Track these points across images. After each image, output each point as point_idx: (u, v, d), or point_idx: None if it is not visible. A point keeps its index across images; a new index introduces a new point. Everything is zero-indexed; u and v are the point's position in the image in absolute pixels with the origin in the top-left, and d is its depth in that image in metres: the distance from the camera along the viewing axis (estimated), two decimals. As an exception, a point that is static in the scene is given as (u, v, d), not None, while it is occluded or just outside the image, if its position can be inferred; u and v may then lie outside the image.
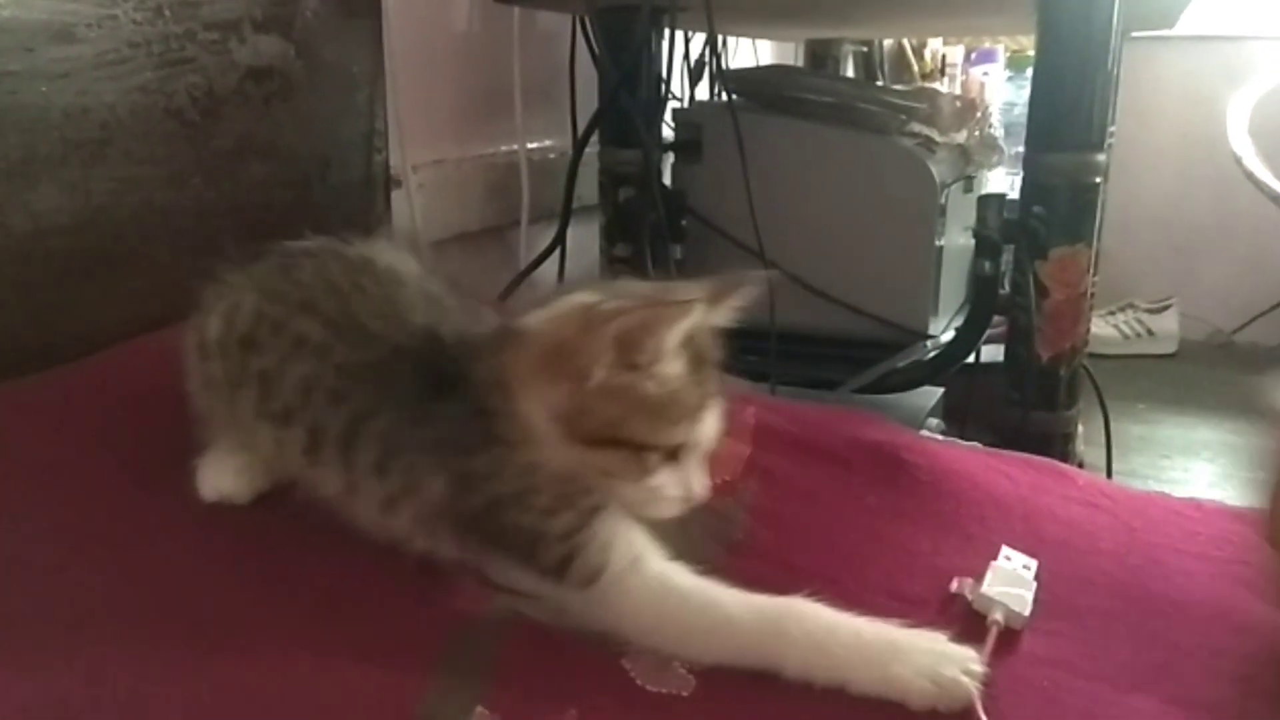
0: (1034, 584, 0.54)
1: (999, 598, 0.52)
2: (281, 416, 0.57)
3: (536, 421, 0.51)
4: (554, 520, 0.51)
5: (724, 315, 0.54)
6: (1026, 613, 0.52)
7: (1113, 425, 1.27)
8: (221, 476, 0.60)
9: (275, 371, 0.58)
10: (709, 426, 0.53)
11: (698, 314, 0.50)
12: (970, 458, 0.73)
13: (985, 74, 2.38)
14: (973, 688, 0.45)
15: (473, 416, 0.52)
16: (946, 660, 0.46)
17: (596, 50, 1.26)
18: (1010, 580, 0.54)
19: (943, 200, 1.21)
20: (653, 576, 0.51)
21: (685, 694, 0.47)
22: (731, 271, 0.54)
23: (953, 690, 0.45)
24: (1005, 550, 0.57)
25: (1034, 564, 0.56)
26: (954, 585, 0.55)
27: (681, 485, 0.52)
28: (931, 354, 1.21)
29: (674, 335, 0.50)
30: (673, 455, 0.52)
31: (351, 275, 0.59)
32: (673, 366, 0.51)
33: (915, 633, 0.48)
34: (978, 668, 0.46)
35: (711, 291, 0.53)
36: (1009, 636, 0.51)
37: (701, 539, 0.58)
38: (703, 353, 0.53)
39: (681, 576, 0.51)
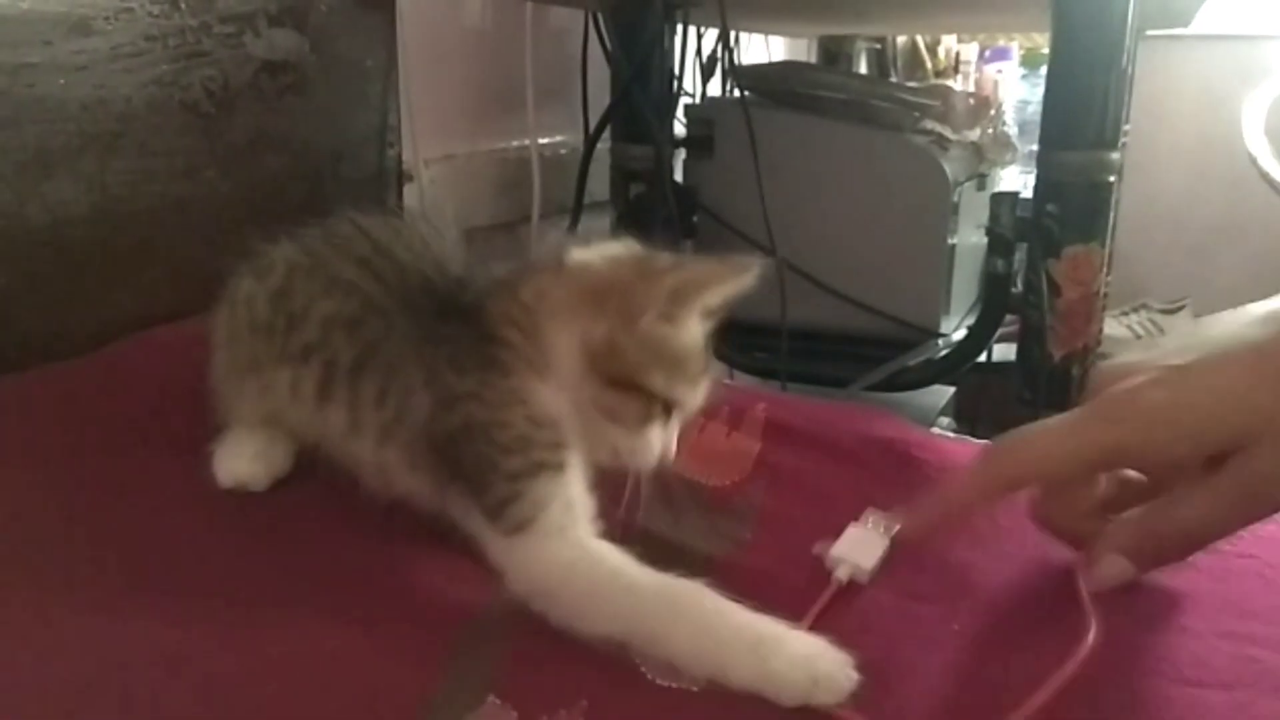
0: (885, 542, 0.56)
1: (846, 556, 0.55)
2: (301, 355, 0.58)
3: (562, 351, 0.52)
4: (508, 459, 0.51)
5: (718, 298, 0.55)
6: (868, 567, 0.55)
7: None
8: (238, 462, 0.61)
9: (301, 312, 0.58)
10: (700, 395, 0.55)
11: (745, 280, 0.53)
12: (981, 455, 0.73)
13: (999, 71, 2.37)
14: (847, 685, 0.45)
15: (478, 340, 0.53)
16: (824, 659, 0.46)
17: (609, 46, 1.26)
18: (861, 540, 0.56)
19: (955, 198, 1.21)
20: (573, 544, 0.51)
21: (695, 689, 0.47)
22: (739, 256, 0.55)
23: (827, 687, 0.45)
24: (868, 512, 0.58)
25: (895, 526, 0.57)
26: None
27: (662, 443, 0.54)
28: (943, 352, 1.21)
29: (718, 297, 0.53)
30: (668, 412, 0.54)
31: (389, 226, 0.61)
32: (698, 327, 0.54)
33: (798, 633, 0.48)
34: (853, 672, 0.46)
35: (709, 269, 0.54)
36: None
37: (709, 535, 0.59)
38: (709, 324, 0.55)
39: (601, 548, 0.51)
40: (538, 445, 0.52)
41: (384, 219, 0.62)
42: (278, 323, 0.60)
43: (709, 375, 0.56)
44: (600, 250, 0.55)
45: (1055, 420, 0.52)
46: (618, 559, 0.51)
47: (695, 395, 0.55)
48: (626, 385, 0.52)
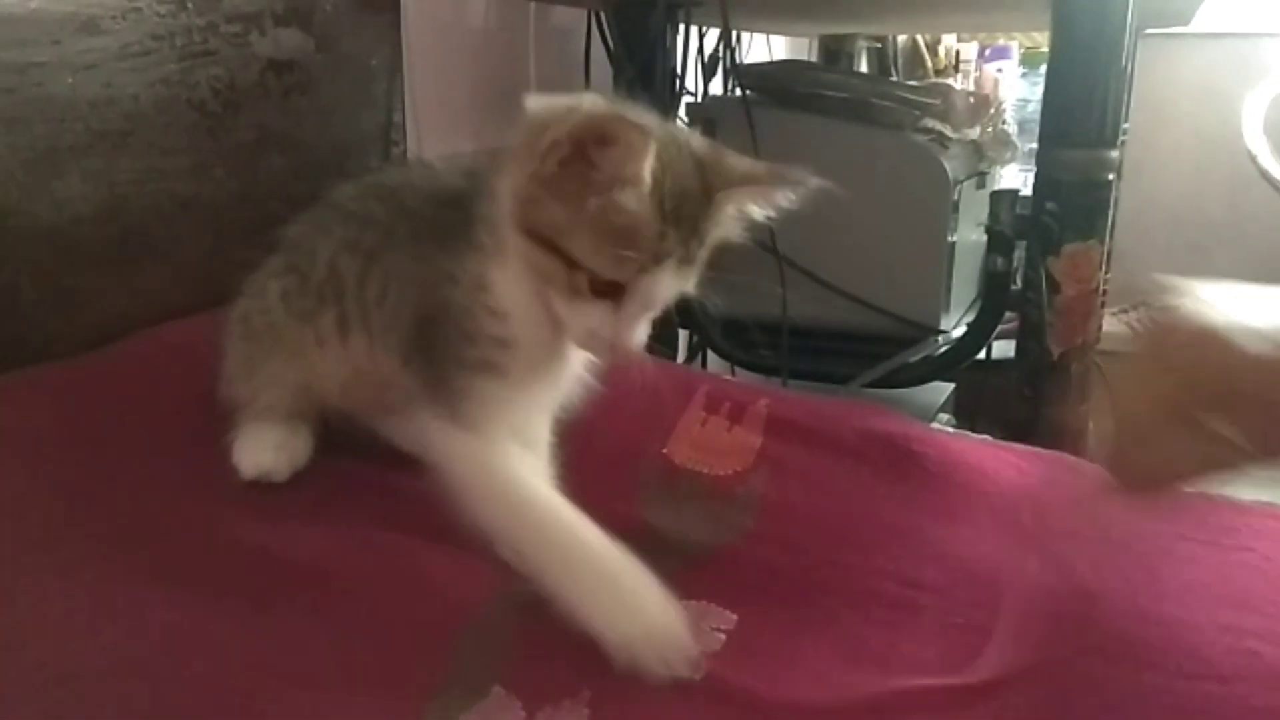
0: None
1: None
2: (317, 300, 0.60)
3: (503, 208, 0.51)
4: (466, 348, 0.52)
5: (749, 199, 0.53)
6: None
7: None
8: (262, 453, 0.61)
9: (309, 264, 0.61)
10: (660, 282, 0.51)
11: (651, 151, 0.48)
12: (981, 450, 0.73)
13: (999, 70, 2.37)
14: (679, 646, 0.47)
15: (466, 222, 0.53)
16: (665, 619, 0.48)
17: (611, 45, 1.26)
18: None
19: (955, 196, 1.22)
20: (498, 450, 0.52)
21: (697, 678, 0.48)
22: (789, 167, 0.53)
23: (658, 643, 0.47)
24: None
25: None
26: None
27: (611, 329, 0.51)
28: (943, 349, 1.22)
29: (633, 162, 0.48)
30: (611, 294, 0.50)
31: (387, 169, 0.64)
32: (629, 197, 0.49)
33: (657, 593, 0.49)
34: (693, 664, 0.47)
35: (750, 168, 0.52)
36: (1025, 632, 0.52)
37: (712, 523, 0.59)
38: (692, 213, 0.51)
39: (519, 464, 0.52)
40: (485, 340, 0.52)
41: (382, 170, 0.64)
42: (290, 288, 0.61)
43: (688, 265, 0.51)
44: (560, 99, 0.51)
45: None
46: (532, 480, 0.52)
47: (644, 279, 0.50)
48: (549, 245, 0.50)
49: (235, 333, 0.65)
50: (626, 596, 0.48)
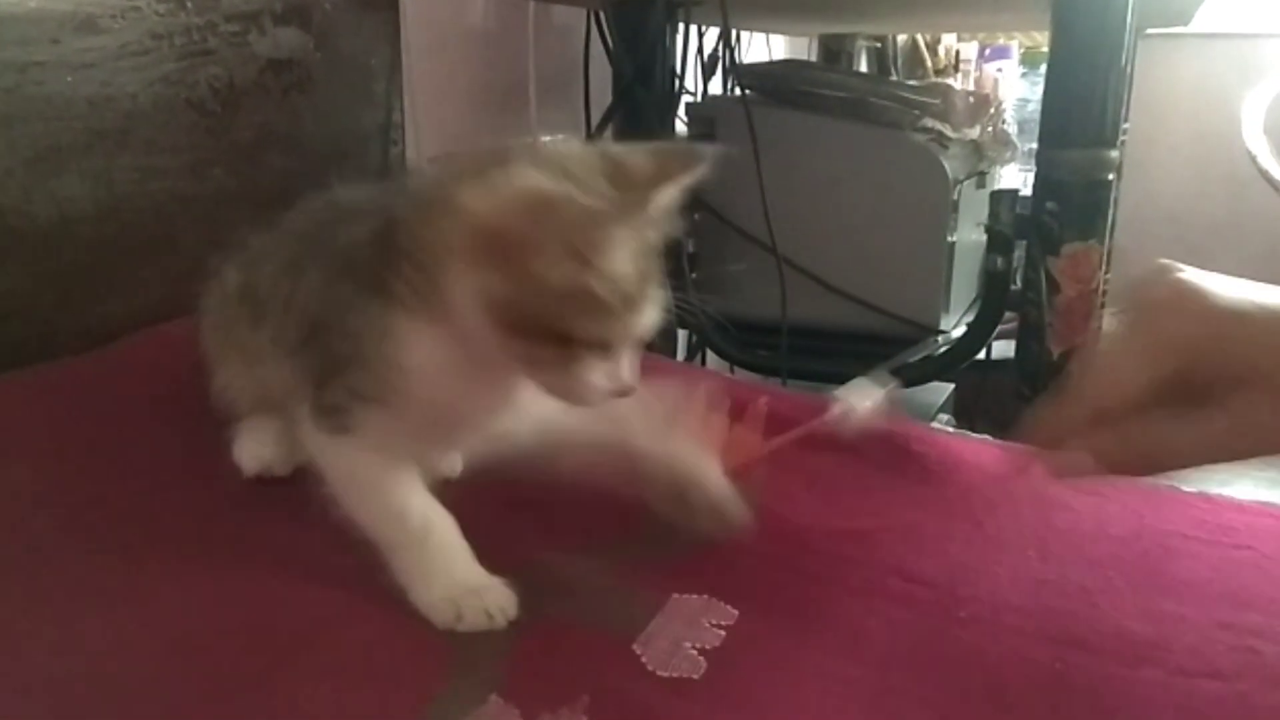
0: (881, 394, 0.64)
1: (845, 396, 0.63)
2: (263, 312, 0.59)
3: (461, 303, 0.49)
4: (354, 376, 0.51)
5: (672, 197, 0.51)
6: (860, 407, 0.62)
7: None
8: (261, 447, 0.62)
9: (258, 279, 0.60)
10: (647, 317, 0.51)
11: (649, 209, 0.48)
12: (980, 448, 0.73)
13: (999, 70, 2.37)
14: (498, 623, 0.50)
15: (384, 260, 0.51)
16: (482, 594, 0.51)
17: (611, 44, 1.26)
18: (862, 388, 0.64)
19: (955, 196, 1.22)
20: (374, 462, 0.53)
21: (696, 677, 0.48)
22: (682, 144, 0.52)
23: (470, 620, 0.50)
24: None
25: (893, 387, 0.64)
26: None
27: (612, 377, 0.51)
28: (942, 349, 1.22)
29: (621, 235, 0.48)
30: (603, 346, 0.50)
31: (360, 189, 0.61)
32: (622, 262, 0.48)
33: (475, 570, 0.52)
34: (511, 611, 0.51)
35: (660, 170, 0.50)
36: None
37: (712, 523, 0.59)
38: (640, 236, 0.50)
39: (395, 475, 0.53)
40: (381, 383, 0.51)
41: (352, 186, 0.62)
42: (246, 301, 0.61)
43: (658, 285, 0.51)
44: (492, 187, 0.49)
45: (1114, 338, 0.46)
46: (387, 470, 0.53)
47: (635, 321, 0.50)
48: (540, 332, 0.49)
49: (208, 335, 0.65)
50: (437, 561, 0.52)
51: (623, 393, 0.51)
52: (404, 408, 0.52)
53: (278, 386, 0.59)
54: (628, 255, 0.49)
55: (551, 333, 0.48)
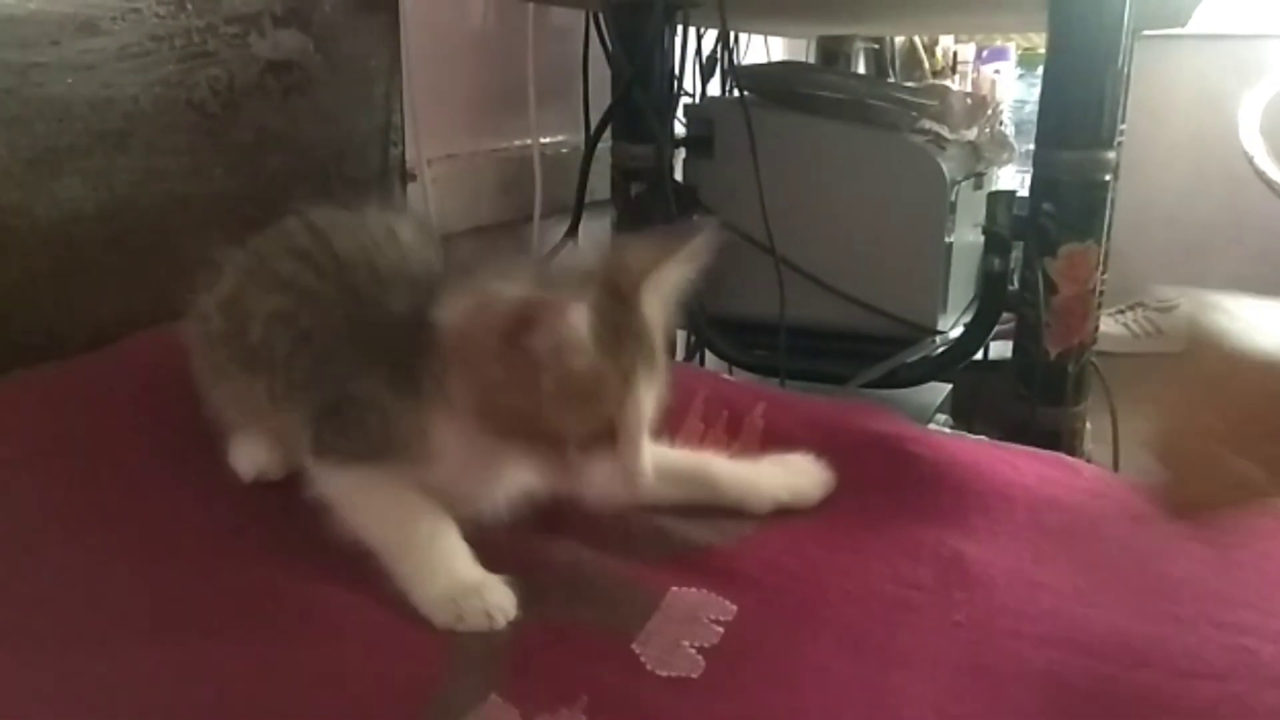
0: None
1: None
2: (253, 357, 0.59)
3: (458, 407, 0.51)
4: (377, 440, 0.52)
5: (670, 277, 0.52)
6: None
7: (1122, 424, 1.27)
8: (258, 452, 0.62)
9: (250, 313, 0.60)
10: (641, 406, 0.50)
11: (581, 311, 0.48)
12: (975, 449, 0.74)
13: (996, 71, 2.37)
14: (498, 623, 0.50)
15: (414, 356, 0.51)
16: (482, 594, 0.50)
17: (610, 46, 1.27)
18: None
19: (953, 197, 1.22)
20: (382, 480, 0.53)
21: (695, 676, 0.48)
22: (681, 226, 0.53)
23: (471, 620, 0.50)
24: None
25: None
26: None
27: (619, 472, 0.50)
28: (940, 350, 1.22)
29: (567, 328, 0.47)
30: (603, 440, 0.50)
31: (344, 226, 0.60)
32: (578, 356, 0.48)
33: (474, 570, 0.52)
34: (510, 611, 0.50)
35: (651, 253, 0.51)
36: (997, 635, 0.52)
37: (711, 524, 0.59)
38: (629, 327, 0.50)
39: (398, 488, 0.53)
40: (402, 456, 0.52)
41: (334, 212, 0.62)
42: (233, 329, 0.61)
43: (651, 371, 0.51)
44: (462, 301, 0.50)
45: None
46: (404, 495, 0.53)
47: (626, 411, 0.50)
48: (529, 433, 0.49)
49: (197, 366, 0.65)
50: (437, 561, 0.52)
51: (632, 486, 0.51)
52: (421, 477, 0.53)
53: (274, 422, 0.60)
54: (597, 345, 0.48)
55: (534, 432, 0.49)
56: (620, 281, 0.50)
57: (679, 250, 0.51)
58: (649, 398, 0.51)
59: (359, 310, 0.55)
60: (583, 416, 0.49)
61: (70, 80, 0.77)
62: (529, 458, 0.52)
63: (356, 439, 0.53)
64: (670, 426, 0.70)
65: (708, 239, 0.52)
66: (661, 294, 0.52)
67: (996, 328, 1.19)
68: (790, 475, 0.64)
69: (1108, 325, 2.04)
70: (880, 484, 0.67)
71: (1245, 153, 2.12)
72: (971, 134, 1.35)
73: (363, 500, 0.53)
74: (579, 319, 0.48)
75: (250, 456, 0.62)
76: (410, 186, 1.16)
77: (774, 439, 0.73)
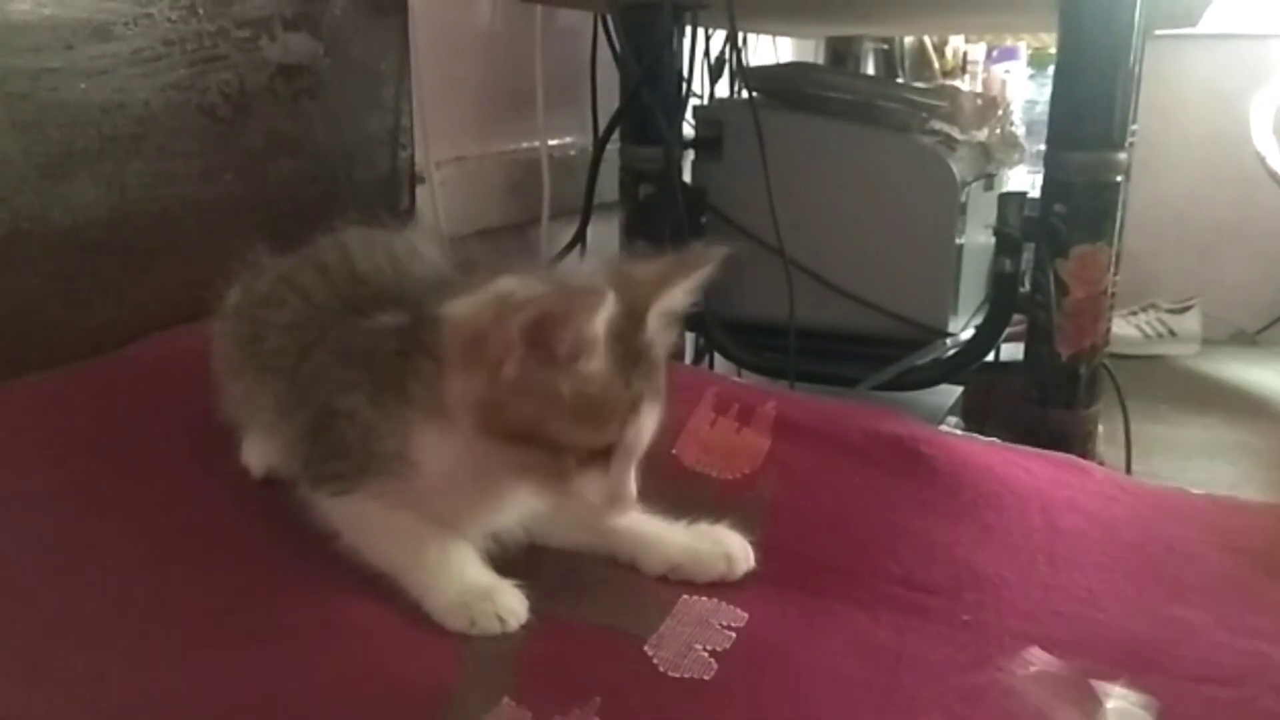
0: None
1: None
2: (265, 363, 0.59)
3: (456, 408, 0.50)
4: (362, 458, 0.52)
5: (677, 300, 0.52)
6: None
7: (1134, 426, 1.27)
8: (269, 450, 0.62)
9: (273, 320, 0.60)
10: (642, 427, 0.50)
11: (609, 305, 0.47)
12: (988, 452, 0.73)
13: (1007, 71, 2.37)
14: (510, 627, 0.50)
15: (403, 354, 0.51)
16: (494, 598, 0.50)
17: (618, 48, 1.27)
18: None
19: (963, 198, 1.22)
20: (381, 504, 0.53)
21: (707, 678, 0.48)
22: (692, 249, 0.52)
23: (483, 625, 0.50)
24: (1116, 692, 0.48)
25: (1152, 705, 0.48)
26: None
27: (607, 490, 0.50)
28: (951, 352, 1.22)
29: (591, 327, 0.47)
30: (599, 456, 0.50)
31: (371, 243, 0.60)
32: (594, 363, 0.48)
33: (485, 575, 0.52)
34: (522, 615, 0.50)
35: (664, 275, 0.51)
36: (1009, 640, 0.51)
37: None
38: (637, 346, 0.50)
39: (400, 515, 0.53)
40: (388, 471, 0.52)
41: (370, 230, 0.62)
42: (254, 333, 0.61)
43: (655, 395, 0.51)
44: (475, 296, 0.50)
45: None
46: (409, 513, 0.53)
47: (628, 431, 0.49)
48: (525, 439, 0.49)
49: (217, 362, 0.65)
50: (448, 568, 0.52)
51: (617, 507, 0.51)
52: (408, 493, 0.52)
53: (280, 430, 0.60)
54: (604, 357, 0.48)
55: (536, 438, 0.49)
56: (630, 300, 0.50)
57: (689, 274, 0.51)
58: (650, 420, 0.51)
59: (353, 323, 0.55)
60: (589, 430, 0.49)
61: (83, 85, 0.77)
62: (522, 466, 0.51)
63: (341, 456, 0.53)
64: (680, 415, 0.70)
65: (717, 262, 0.52)
66: (668, 317, 0.52)
67: (1008, 329, 1.19)
68: (696, 540, 0.57)
69: (1120, 327, 2.03)
70: (893, 485, 0.67)
71: (1257, 152, 2.11)
72: (982, 135, 1.35)
73: (365, 528, 0.53)
74: (606, 318, 0.47)
75: (261, 454, 0.62)
76: (419, 189, 1.16)
77: (785, 429, 0.72)
